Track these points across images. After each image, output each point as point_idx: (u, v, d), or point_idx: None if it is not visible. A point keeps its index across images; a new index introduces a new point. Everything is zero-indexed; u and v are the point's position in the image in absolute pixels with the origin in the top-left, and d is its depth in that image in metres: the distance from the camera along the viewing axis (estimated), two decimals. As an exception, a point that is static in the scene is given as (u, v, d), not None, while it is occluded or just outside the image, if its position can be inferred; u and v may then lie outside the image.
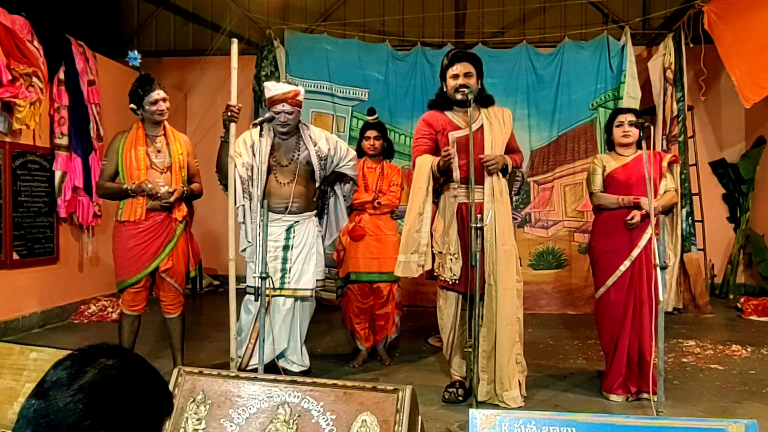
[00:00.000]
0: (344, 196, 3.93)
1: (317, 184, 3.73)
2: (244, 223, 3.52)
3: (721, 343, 4.85)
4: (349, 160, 3.78)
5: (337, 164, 3.74)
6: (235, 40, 3.31)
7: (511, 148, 3.53)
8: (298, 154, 3.65)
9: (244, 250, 3.59)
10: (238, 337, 3.51)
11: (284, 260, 3.58)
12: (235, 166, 3.39)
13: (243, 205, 3.49)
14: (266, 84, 3.69)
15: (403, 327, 4.62)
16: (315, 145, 3.66)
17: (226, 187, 3.58)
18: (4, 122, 4.94)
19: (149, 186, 3.53)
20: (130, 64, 3.59)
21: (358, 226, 4.19)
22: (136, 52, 3.60)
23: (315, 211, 3.79)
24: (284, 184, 3.60)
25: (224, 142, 3.43)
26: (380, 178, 4.27)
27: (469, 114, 3.18)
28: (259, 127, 3.29)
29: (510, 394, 3.31)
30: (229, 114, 3.35)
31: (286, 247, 3.59)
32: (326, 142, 3.71)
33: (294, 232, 3.61)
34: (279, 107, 3.52)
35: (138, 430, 0.99)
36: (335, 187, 3.90)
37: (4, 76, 4.65)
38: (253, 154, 3.50)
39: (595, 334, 4.10)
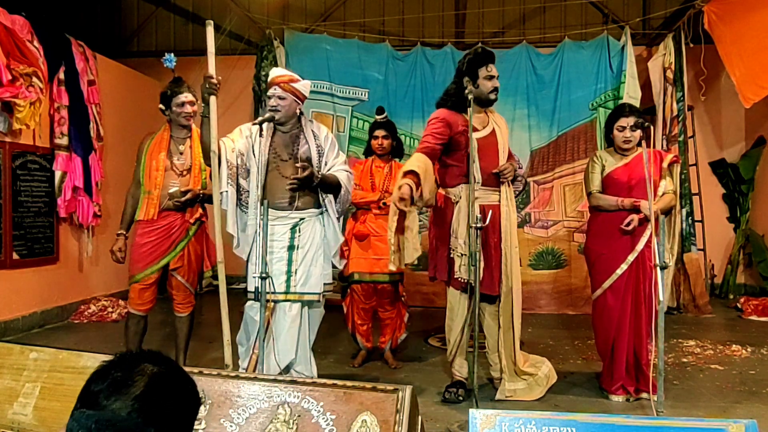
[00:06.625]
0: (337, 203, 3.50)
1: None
2: (227, 210, 3.29)
3: (721, 343, 4.85)
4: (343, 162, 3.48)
5: (331, 166, 3.41)
6: (210, 22, 3.27)
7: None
8: (297, 149, 3.38)
9: (237, 246, 3.35)
10: (241, 348, 3.34)
11: (289, 262, 3.30)
12: (222, 151, 3.21)
13: (227, 191, 3.25)
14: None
15: (404, 327, 4.62)
16: (316, 139, 3.41)
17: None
18: (4, 122, 4.94)
19: (119, 247, 3.68)
20: (165, 65, 3.58)
21: (363, 226, 4.11)
22: (172, 55, 3.59)
23: (321, 209, 3.43)
24: (288, 178, 3.27)
25: (204, 117, 3.21)
26: (387, 177, 4.16)
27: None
28: (259, 126, 3.24)
29: (516, 386, 3.51)
30: (208, 86, 3.16)
31: (291, 248, 3.31)
32: (325, 141, 3.45)
33: (299, 232, 3.33)
34: (270, 91, 3.34)
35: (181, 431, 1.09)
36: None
37: (4, 76, 4.65)
38: (251, 148, 3.31)
39: (595, 334, 4.10)
